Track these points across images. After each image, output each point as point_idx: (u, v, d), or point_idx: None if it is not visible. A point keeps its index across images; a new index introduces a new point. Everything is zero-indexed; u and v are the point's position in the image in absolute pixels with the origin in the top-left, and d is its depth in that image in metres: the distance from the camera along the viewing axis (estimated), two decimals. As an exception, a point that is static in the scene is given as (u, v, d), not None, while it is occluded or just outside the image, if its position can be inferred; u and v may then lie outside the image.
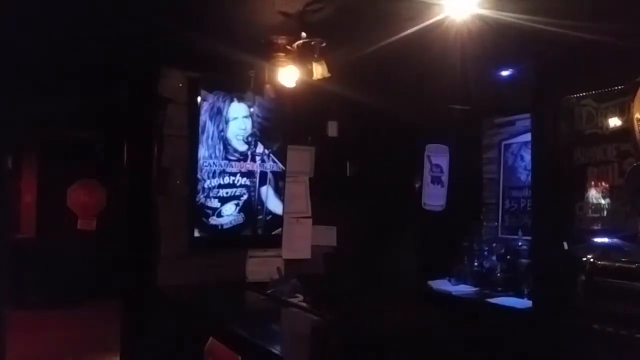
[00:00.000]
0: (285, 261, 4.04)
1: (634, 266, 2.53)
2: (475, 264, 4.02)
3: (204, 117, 3.77)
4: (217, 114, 3.84)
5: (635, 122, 2.58)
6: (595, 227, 2.84)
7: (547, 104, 3.12)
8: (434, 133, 4.44)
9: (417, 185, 4.45)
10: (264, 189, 4.05)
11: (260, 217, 4.05)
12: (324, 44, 2.92)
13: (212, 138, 3.82)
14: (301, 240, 4.16)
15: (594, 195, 2.86)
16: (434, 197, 4.40)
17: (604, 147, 2.83)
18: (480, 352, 2.68)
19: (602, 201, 2.82)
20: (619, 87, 2.74)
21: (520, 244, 3.81)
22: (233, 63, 3.46)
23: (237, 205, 3.95)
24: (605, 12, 2.41)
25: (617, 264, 2.60)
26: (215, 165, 3.84)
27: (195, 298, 3.43)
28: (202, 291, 3.52)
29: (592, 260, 2.70)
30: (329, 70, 2.94)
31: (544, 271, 3.10)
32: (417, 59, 3.11)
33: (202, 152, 3.78)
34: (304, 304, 3.32)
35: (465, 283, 4.01)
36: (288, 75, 3.09)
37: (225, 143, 3.88)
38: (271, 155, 4.09)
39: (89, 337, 6.03)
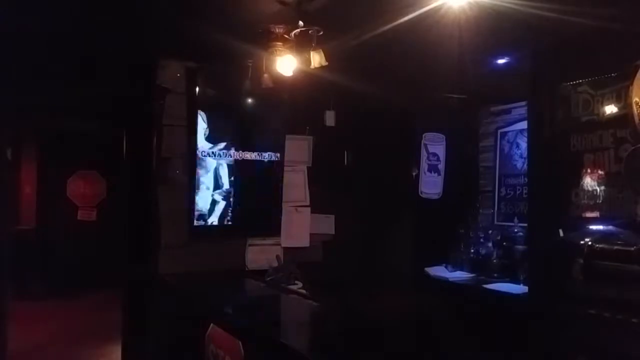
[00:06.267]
0: (284, 249, 4.08)
1: (632, 249, 2.55)
2: (472, 250, 4.06)
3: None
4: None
5: (634, 105, 2.59)
6: (591, 214, 2.85)
7: (544, 91, 3.14)
8: (431, 121, 4.45)
9: (414, 174, 4.47)
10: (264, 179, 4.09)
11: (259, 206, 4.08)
12: (321, 33, 2.93)
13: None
14: (300, 228, 4.19)
15: (590, 182, 2.87)
16: (431, 186, 4.42)
17: (600, 133, 2.83)
18: (477, 337, 2.71)
19: (598, 188, 2.83)
20: (616, 74, 2.75)
21: (516, 230, 3.84)
22: (231, 53, 3.46)
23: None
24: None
25: (616, 247, 2.62)
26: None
27: (196, 286, 3.46)
28: (203, 279, 3.55)
29: (590, 243, 2.72)
30: (327, 59, 2.94)
31: (540, 258, 3.13)
32: (415, 47, 3.12)
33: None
34: (303, 291, 3.35)
35: (461, 269, 4.05)
36: (286, 64, 3.10)
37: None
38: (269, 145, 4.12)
39: (90, 327, 6.06)
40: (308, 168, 4.30)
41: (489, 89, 4.02)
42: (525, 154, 3.90)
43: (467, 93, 4.12)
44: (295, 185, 4.25)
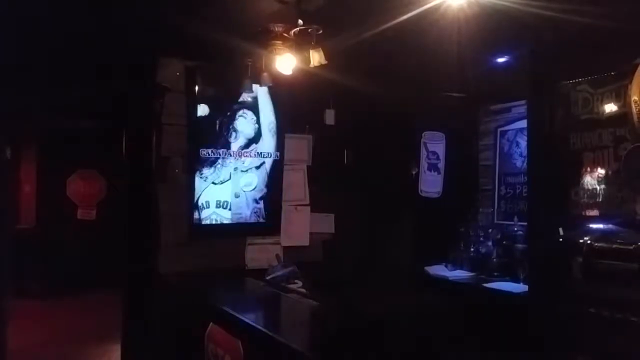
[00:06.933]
0: (284, 248, 4.08)
1: (631, 247, 2.54)
2: (472, 249, 4.05)
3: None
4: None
5: (633, 104, 2.59)
6: (591, 213, 2.85)
7: (543, 90, 3.13)
8: (431, 120, 4.45)
9: (413, 173, 4.47)
10: (262, 177, 4.08)
11: (259, 204, 4.07)
12: (320, 31, 2.93)
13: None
14: (300, 227, 4.19)
15: (590, 180, 2.87)
16: (431, 184, 4.42)
17: (600, 132, 2.83)
18: (477, 336, 2.71)
19: (598, 187, 2.83)
20: (615, 72, 2.75)
21: (516, 229, 3.84)
22: (230, 51, 3.46)
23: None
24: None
25: (614, 246, 2.62)
26: (215, 154, 3.87)
27: (196, 285, 3.46)
28: (202, 278, 3.55)
29: (589, 242, 2.72)
30: (326, 58, 2.94)
31: (540, 256, 3.13)
32: (414, 45, 3.12)
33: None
34: (303, 290, 3.35)
35: (461, 268, 4.04)
36: (285, 63, 3.10)
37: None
38: (269, 143, 4.11)
39: (90, 326, 6.07)
40: (308, 167, 4.30)
41: (489, 88, 4.02)
42: (525, 153, 3.90)
43: (467, 92, 4.11)
44: (295, 184, 4.25)
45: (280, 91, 3.94)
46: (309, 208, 4.27)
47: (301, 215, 4.23)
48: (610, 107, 2.78)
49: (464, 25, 2.58)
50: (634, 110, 2.58)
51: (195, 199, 3.81)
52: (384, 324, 2.51)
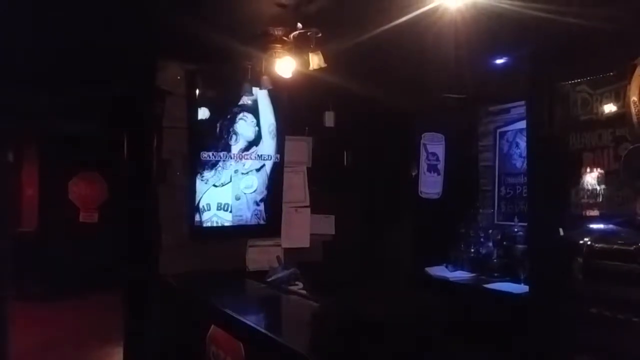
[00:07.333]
0: (284, 250, 4.09)
1: (631, 248, 2.55)
2: (472, 250, 4.06)
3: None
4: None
5: (632, 104, 2.59)
6: (591, 213, 2.86)
7: (542, 90, 3.14)
8: (430, 121, 4.46)
9: (413, 174, 4.48)
10: (262, 179, 4.09)
11: (259, 207, 4.08)
12: (320, 35, 2.94)
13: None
14: (300, 229, 4.20)
15: (589, 180, 2.87)
16: (431, 185, 4.43)
17: (599, 132, 2.84)
18: (477, 337, 2.72)
19: (598, 187, 2.83)
20: (614, 73, 2.75)
21: (516, 230, 3.85)
22: (230, 55, 3.47)
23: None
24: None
25: (615, 246, 2.62)
26: (215, 157, 3.89)
27: (197, 287, 3.47)
28: (203, 280, 3.56)
29: (589, 243, 2.72)
30: (325, 61, 2.95)
31: (540, 257, 3.13)
32: (413, 48, 3.13)
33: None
34: (304, 292, 3.36)
35: (462, 269, 4.05)
36: (285, 66, 3.11)
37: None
38: (270, 146, 4.12)
39: (92, 328, 6.07)
40: (308, 169, 4.31)
41: (488, 89, 4.03)
42: (524, 153, 3.91)
43: (466, 93, 4.12)
44: (295, 185, 4.26)
45: (280, 94, 3.96)
46: (309, 210, 4.28)
47: (301, 216, 4.24)
48: (609, 108, 2.79)
49: (461, 27, 2.59)
50: (633, 110, 2.59)
51: (196, 201, 3.81)
52: (385, 324, 2.52)
